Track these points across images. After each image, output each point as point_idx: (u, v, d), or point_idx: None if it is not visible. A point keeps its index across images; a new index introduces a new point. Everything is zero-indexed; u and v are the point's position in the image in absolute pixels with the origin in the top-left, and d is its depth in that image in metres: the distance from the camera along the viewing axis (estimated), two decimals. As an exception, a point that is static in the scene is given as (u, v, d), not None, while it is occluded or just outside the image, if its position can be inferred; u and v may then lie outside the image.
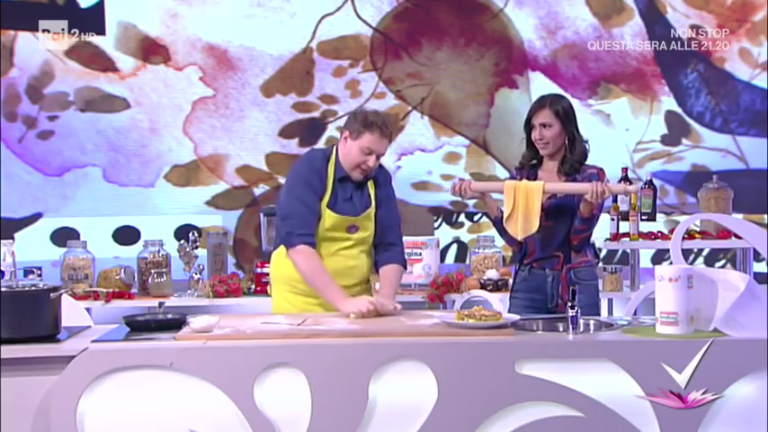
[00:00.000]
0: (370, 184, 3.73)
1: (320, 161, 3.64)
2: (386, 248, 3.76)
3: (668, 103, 6.02)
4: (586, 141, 3.87)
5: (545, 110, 3.82)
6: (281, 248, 3.65)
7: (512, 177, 3.95)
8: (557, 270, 3.77)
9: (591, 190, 3.59)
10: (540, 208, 3.65)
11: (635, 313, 3.48)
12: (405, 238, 5.08)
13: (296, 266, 3.57)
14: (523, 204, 3.67)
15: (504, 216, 3.72)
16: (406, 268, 3.82)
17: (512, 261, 4.02)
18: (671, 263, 3.30)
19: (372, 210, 3.71)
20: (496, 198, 3.87)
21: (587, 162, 3.86)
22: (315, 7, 5.91)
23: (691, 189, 5.84)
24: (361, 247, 3.71)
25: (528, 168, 3.90)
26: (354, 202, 3.66)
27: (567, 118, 3.81)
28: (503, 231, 3.84)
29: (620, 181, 4.90)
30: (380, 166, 3.77)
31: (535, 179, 3.82)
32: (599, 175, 3.79)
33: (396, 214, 3.81)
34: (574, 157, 3.82)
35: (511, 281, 4.10)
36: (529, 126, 3.86)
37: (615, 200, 4.87)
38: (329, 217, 3.60)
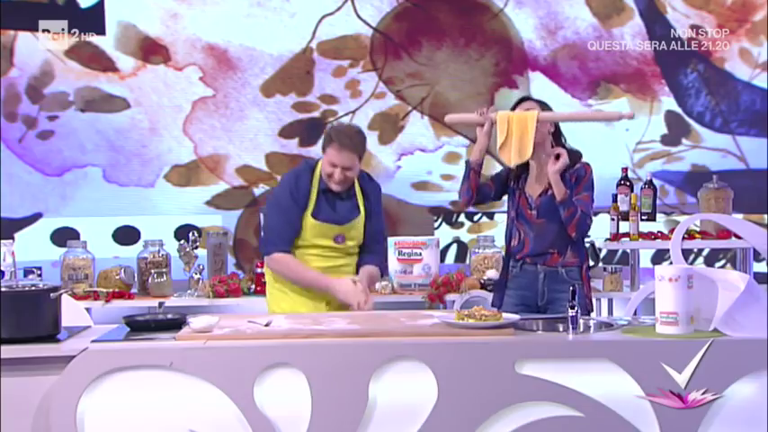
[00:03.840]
0: (359, 196, 3.83)
1: (305, 173, 3.79)
2: (367, 253, 3.87)
3: (668, 103, 6.02)
4: (574, 150, 3.85)
5: (529, 100, 3.88)
6: None
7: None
8: (549, 266, 3.76)
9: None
10: (533, 134, 3.69)
11: (635, 313, 3.48)
12: (405, 238, 5.16)
13: (275, 272, 3.77)
14: (518, 131, 3.69)
15: (498, 144, 3.74)
16: (382, 275, 3.95)
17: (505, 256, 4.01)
18: (671, 263, 3.30)
19: (361, 220, 3.80)
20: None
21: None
22: (315, 7, 5.91)
23: (691, 189, 5.84)
24: (350, 253, 3.82)
25: (513, 178, 3.89)
26: (338, 212, 3.76)
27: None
28: (467, 179, 3.86)
29: (620, 182, 4.91)
30: (370, 178, 3.95)
31: (523, 188, 3.82)
32: (585, 166, 3.78)
33: (382, 225, 3.91)
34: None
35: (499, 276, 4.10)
36: None
37: (615, 200, 4.87)
38: (314, 226, 3.72)
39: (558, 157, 3.69)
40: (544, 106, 3.88)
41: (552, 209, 3.75)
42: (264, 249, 3.78)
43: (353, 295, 3.57)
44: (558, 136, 3.84)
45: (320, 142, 3.87)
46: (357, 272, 3.82)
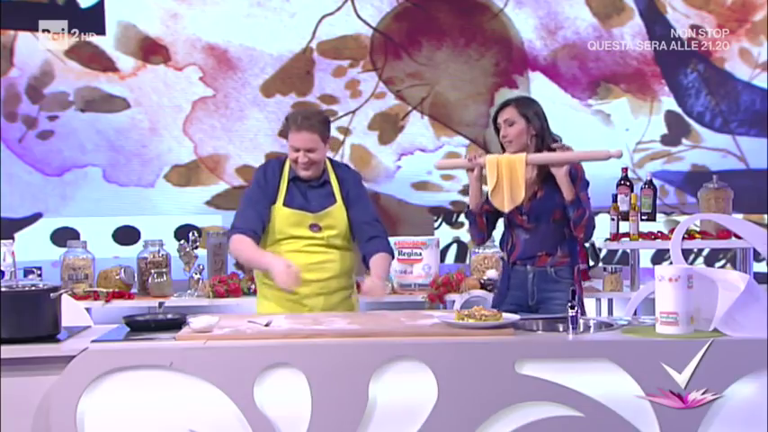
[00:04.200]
0: (335, 184, 3.76)
1: (274, 164, 3.78)
2: (369, 242, 3.74)
3: (668, 103, 6.02)
4: (560, 139, 3.84)
5: (509, 107, 3.81)
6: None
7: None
8: (538, 267, 3.75)
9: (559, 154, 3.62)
10: (524, 178, 3.65)
11: (635, 313, 3.48)
12: (405, 238, 5.16)
13: (233, 254, 3.78)
14: (508, 175, 3.66)
15: (489, 189, 3.71)
16: (393, 256, 3.82)
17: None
18: (671, 263, 3.29)
19: (337, 209, 3.71)
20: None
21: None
22: (315, 7, 5.91)
23: (691, 189, 5.84)
24: (333, 245, 3.72)
25: None
26: (310, 200, 3.71)
27: (536, 116, 3.78)
28: (472, 225, 3.85)
29: (620, 182, 4.91)
30: (347, 167, 3.90)
31: None
32: (576, 168, 3.76)
33: (371, 211, 3.81)
34: None
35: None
36: (496, 126, 3.85)
37: (615, 200, 4.87)
38: (286, 214, 3.68)
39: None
40: (526, 103, 3.83)
41: (542, 212, 3.73)
42: (229, 235, 3.73)
43: (284, 278, 3.43)
44: (543, 137, 3.79)
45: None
46: (366, 263, 3.72)
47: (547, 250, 3.74)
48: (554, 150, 3.70)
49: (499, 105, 3.87)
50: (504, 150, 3.82)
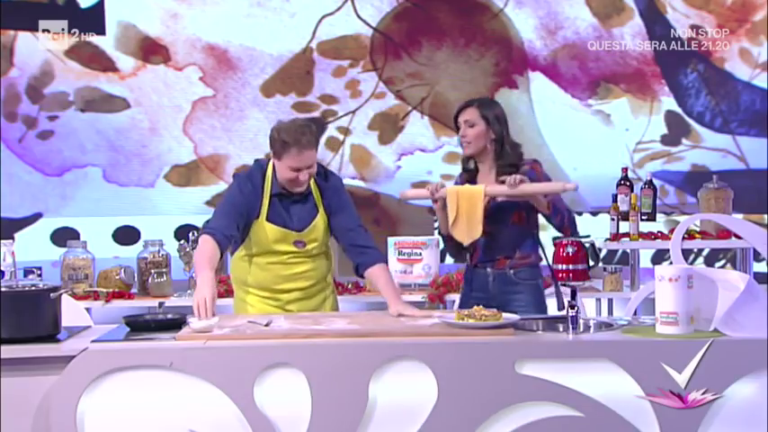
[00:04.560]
0: (316, 195, 3.63)
1: (256, 175, 3.61)
2: (361, 251, 3.63)
3: (668, 103, 6.02)
4: (519, 146, 3.82)
5: (471, 108, 3.77)
6: (237, 253, 3.67)
7: (456, 184, 3.93)
8: (498, 269, 3.74)
9: (507, 182, 3.58)
10: (482, 212, 3.63)
11: (635, 313, 3.48)
12: (405, 238, 5.15)
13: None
14: (466, 209, 3.66)
15: (450, 222, 3.69)
16: (387, 264, 3.79)
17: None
18: (671, 263, 3.30)
19: (320, 221, 3.62)
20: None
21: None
22: (315, 7, 5.91)
23: (691, 189, 5.84)
24: (313, 255, 3.65)
25: (466, 174, 3.87)
26: (293, 217, 3.59)
27: (497, 120, 3.73)
28: (447, 245, 3.85)
29: (620, 182, 4.91)
30: (329, 173, 3.71)
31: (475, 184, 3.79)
32: (533, 167, 3.74)
33: (355, 217, 3.69)
34: (502, 162, 3.74)
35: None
36: (456, 125, 3.83)
37: (615, 200, 4.87)
38: (271, 230, 3.55)
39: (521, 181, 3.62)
40: (488, 106, 3.80)
41: (500, 215, 3.72)
42: (200, 233, 3.55)
43: (201, 308, 3.14)
44: (503, 142, 3.75)
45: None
46: (360, 273, 3.65)
47: (505, 253, 3.73)
48: (522, 164, 3.70)
49: (461, 105, 3.84)
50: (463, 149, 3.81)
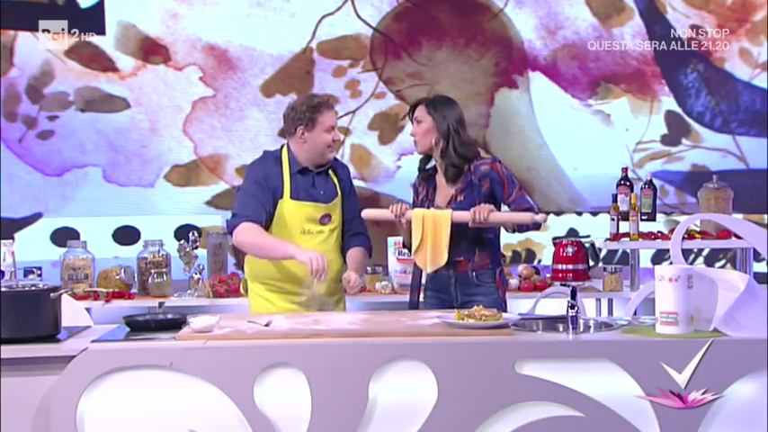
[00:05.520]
0: (333, 174, 3.74)
1: (271, 160, 3.69)
2: (353, 236, 3.76)
3: (668, 103, 6.02)
4: (472, 144, 3.78)
5: (420, 106, 3.77)
6: None
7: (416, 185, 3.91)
8: (460, 272, 3.73)
9: (471, 217, 3.53)
10: (448, 239, 3.59)
11: (635, 313, 3.48)
12: (404, 238, 5.15)
13: (242, 245, 3.61)
14: (432, 234, 3.61)
15: (413, 247, 3.65)
16: (371, 255, 3.82)
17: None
18: (671, 263, 3.30)
19: (340, 198, 3.72)
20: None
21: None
22: (315, 7, 5.91)
23: (691, 189, 5.84)
24: (334, 240, 3.70)
25: (424, 174, 3.84)
26: (319, 189, 3.66)
27: (445, 119, 3.70)
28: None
29: (620, 182, 4.91)
30: (336, 158, 3.82)
31: (433, 199, 3.77)
32: (493, 167, 3.71)
33: (357, 205, 3.80)
34: (448, 161, 3.71)
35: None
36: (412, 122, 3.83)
37: (615, 200, 4.87)
38: (297, 207, 3.60)
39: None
40: (438, 103, 3.77)
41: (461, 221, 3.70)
42: (231, 224, 3.58)
43: (319, 263, 3.38)
44: (450, 141, 3.69)
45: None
46: (344, 256, 3.71)
47: (465, 256, 3.71)
48: (481, 163, 3.68)
49: (413, 103, 3.85)
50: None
